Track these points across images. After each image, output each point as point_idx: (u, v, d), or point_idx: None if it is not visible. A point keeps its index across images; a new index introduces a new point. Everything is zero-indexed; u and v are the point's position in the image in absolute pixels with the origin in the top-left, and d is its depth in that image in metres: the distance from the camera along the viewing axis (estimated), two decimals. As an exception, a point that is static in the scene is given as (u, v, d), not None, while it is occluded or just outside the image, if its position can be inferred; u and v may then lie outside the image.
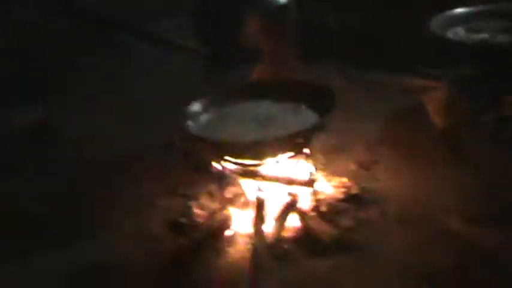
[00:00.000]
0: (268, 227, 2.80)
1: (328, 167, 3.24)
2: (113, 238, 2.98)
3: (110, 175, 3.47)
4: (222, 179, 2.92)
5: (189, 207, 3.07)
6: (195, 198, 3.14)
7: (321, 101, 2.84)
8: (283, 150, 2.74)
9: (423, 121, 3.48)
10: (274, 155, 2.75)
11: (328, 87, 2.89)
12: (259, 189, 2.89)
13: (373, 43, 4.19)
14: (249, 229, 2.82)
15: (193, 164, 3.33)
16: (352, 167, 3.25)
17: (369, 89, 3.95)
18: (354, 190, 3.02)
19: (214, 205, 3.06)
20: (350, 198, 2.97)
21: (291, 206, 2.88)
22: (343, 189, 3.03)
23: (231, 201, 2.99)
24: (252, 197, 2.92)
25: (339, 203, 2.95)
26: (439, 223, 2.77)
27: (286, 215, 2.85)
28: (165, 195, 3.24)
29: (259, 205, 2.85)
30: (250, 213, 2.88)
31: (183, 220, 3.00)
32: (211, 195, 3.14)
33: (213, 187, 3.17)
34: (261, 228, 2.77)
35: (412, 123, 3.51)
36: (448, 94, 3.43)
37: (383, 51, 4.12)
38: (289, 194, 2.93)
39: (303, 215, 2.85)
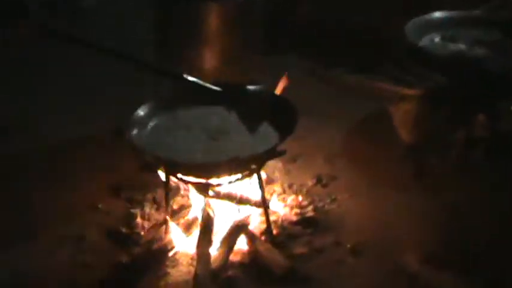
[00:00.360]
0: (214, 250, 2.54)
1: (284, 180, 3.00)
2: (43, 247, 2.70)
3: (44, 169, 3.17)
4: (168, 189, 2.64)
5: (132, 216, 2.81)
6: (140, 204, 2.89)
7: (282, 116, 2.55)
8: (234, 172, 2.46)
9: (388, 133, 3.24)
10: (224, 175, 2.47)
11: (292, 102, 2.59)
12: (207, 207, 2.63)
13: (347, 39, 3.88)
14: (193, 250, 2.56)
15: (141, 162, 3.05)
16: (310, 182, 3.00)
17: (335, 89, 3.66)
18: (310, 212, 2.78)
19: (158, 216, 2.80)
20: (305, 222, 2.74)
21: (240, 228, 2.63)
22: (298, 210, 2.79)
23: (177, 215, 2.73)
24: (199, 213, 2.66)
25: (292, 226, 2.71)
26: (395, 260, 2.56)
27: (235, 237, 2.61)
28: (107, 198, 2.95)
29: (206, 224, 2.59)
30: (196, 231, 2.62)
31: (124, 230, 2.74)
32: (156, 203, 2.88)
33: (159, 194, 2.90)
34: (206, 250, 2.52)
35: (376, 135, 3.29)
36: (418, 107, 3.18)
37: (356, 49, 3.82)
38: (239, 214, 2.67)
39: (252, 238, 2.62)
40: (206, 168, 2.43)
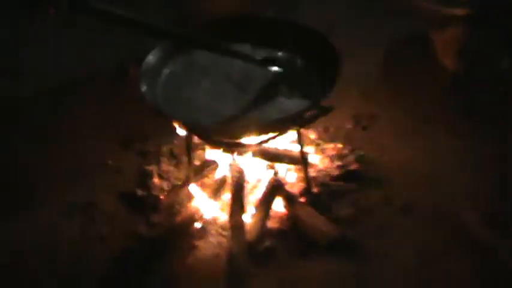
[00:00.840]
0: (248, 217, 2.11)
1: (318, 123, 2.51)
2: (50, 216, 2.26)
3: (40, 118, 2.67)
4: (190, 144, 2.19)
5: (147, 174, 2.35)
6: (155, 159, 2.44)
7: (320, 56, 2.04)
8: (270, 131, 1.99)
9: (429, 60, 2.75)
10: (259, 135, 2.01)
11: (331, 41, 2.08)
12: (236, 165, 2.17)
13: None
14: (224, 218, 2.13)
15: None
16: (348, 124, 2.54)
17: (367, 7, 3.08)
18: (352, 164, 2.34)
19: (178, 173, 2.35)
20: (348, 176, 2.30)
21: (276, 189, 2.19)
22: (338, 162, 2.34)
23: (200, 173, 2.28)
24: (226, 172, 2.21)
25: (334, 182, 2.27)
26: (453, 218, 2.18)
27: (271, 201, 2.18)
28: (116, 151, 2.49)
29: (237, 187, 2.14)
30: (225, 195, 2.18)
31: (140, 193, 2.29)
32: (175, 158, 2.42)
33: (176, 145, 2.45)
34: (239, 219, 2.09)
35: (416, 62, 2.79)
36: (463, 30, 2.67)
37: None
38: (275, 172, 2.23)
39: (291, 200, 2.19)
40: (239, 131, 1.95)
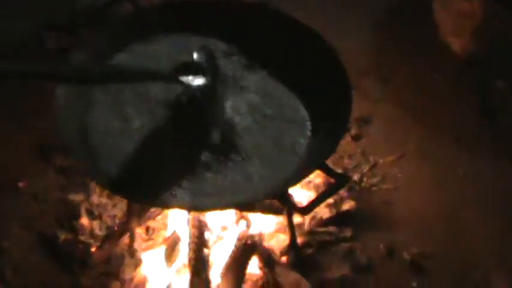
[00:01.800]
0: (214, 288, 1.48)
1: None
2: None
3: None
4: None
5: (73, 208, 1.63)
6: (82, 185, 1.69)
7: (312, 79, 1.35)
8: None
9: (433, 40, 2.05)
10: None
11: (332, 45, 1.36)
12: (197, 219, 1.50)
13: None
14: None
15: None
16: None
17: None
18: (345, 200, 1.69)
19: (114, 211, 1.64)
20: (341, 219, 1.65)
21: (250, 248, 1.53)
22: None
23: (146, 214, 1.58)
24: (182, 226, 1.54)
25: (324, 229, 1.62)
26: (480, 282, 1.55)
27: (244, 264, 1.52)
28: (30, 167, 1.74)
29: (198, 250, 1.48)
30: (180, 259, 1.51)
31: (63, 237, 1.59)
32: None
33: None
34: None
35: (417, 38, 2.07)
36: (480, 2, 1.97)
37: None
38: (247, 224, 1.56)
39: (269, 261, 1.52)
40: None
